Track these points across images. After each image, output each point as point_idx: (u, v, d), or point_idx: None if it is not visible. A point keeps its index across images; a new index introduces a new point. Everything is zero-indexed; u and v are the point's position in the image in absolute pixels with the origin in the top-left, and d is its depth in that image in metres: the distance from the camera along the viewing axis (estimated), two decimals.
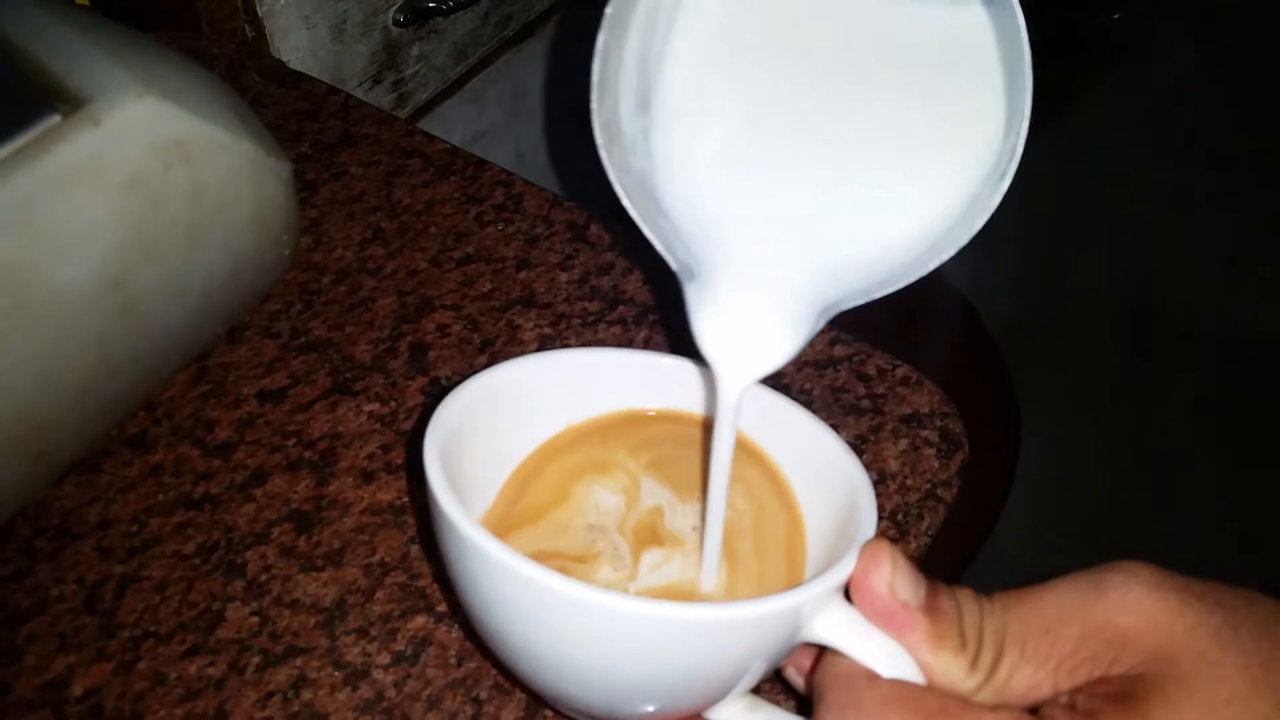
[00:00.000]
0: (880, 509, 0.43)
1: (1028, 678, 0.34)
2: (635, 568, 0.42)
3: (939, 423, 0.55)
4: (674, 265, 0.40)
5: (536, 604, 0.35)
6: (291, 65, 0.75)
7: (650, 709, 0.38)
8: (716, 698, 0.38)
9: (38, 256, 0.43)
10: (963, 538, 0.84)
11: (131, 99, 0.46)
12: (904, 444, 0.54)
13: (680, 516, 0.44)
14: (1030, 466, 0.92)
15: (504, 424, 0.44)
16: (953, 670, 0.34)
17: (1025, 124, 0.35)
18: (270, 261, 0.54)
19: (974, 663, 0.34)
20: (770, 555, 0.43)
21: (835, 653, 0.35)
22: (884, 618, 0.35)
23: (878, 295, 0.38)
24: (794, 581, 0.41)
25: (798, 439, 0.43)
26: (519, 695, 0.46)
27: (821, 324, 0.39)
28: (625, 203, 0.39)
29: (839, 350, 0.58)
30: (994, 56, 0.37)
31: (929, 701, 0.33)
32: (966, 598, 0.35)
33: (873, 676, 0.34)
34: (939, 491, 0.52)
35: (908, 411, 0.55)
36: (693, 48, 0.41)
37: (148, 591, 0.49)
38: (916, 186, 0.39)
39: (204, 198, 0.48)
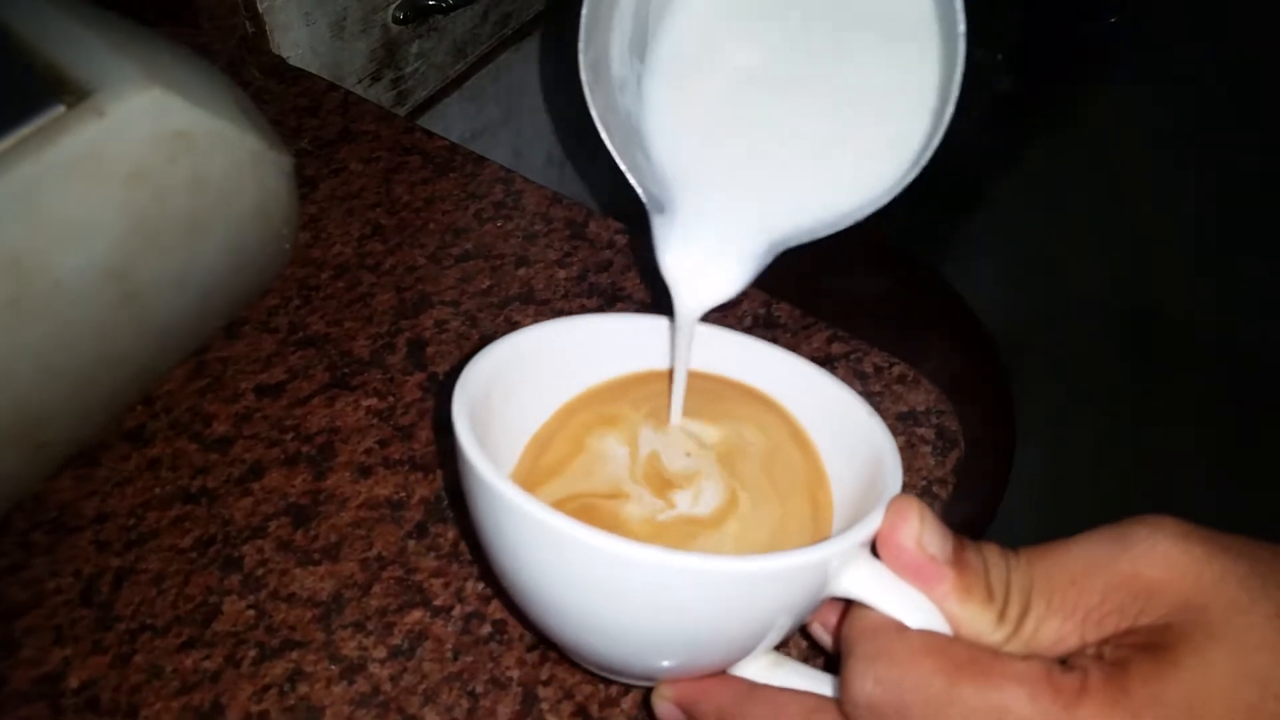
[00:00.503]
0: None
1: (1055, 629, 0.34)
2: (660, 503, 0.42)
3: (935, 420, 0.55)
4: (644, 198, 0.42)
5: (562, 554, 0.35)
6: (291, 62, 0.75)
7: (677, 663, 0.38)
8: (742, 653, 0.38)
9: (42, 246, 0.44)
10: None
11: (136, 90, 0.46)
12: (900, 441, 0.54)
13: (675, 453, 0.44)
14: (1027, 467, 0.92)
15: (526, 388, 0.44)
16: (981, 622, 0.34)
17: (956, 88, 0.36)
18: (270, 255, 0.55)
19: (1002, 615, 0.34)
20: (791, 497, 0.43)
21: (863, 606, 0.36)
22: (912, 571, 0.35)
23: (821, 235, 0.41)
24: (820, 535, 0.42)
25: (820, 399, 0.44)
26: (515, 689, 0.46)
27: (771, 258, 0.42)
28: (605, 138, 0.41)
29: (836, 347, 0.58)
30: (938, 26, 0.40)
31: (959, 651, 0.33)
32: (993, 552, 0.35)
33: (901, 627, 0.34)
34: (934, 489, 0.52)
35: (904, 409, 0.55)
36: (695, 6, 0.43)
37: (144, 585, 0.49)
38: (868, 143, 0.41)
39: (206, 190, 0.48)
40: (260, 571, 0.50)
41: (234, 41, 0.72)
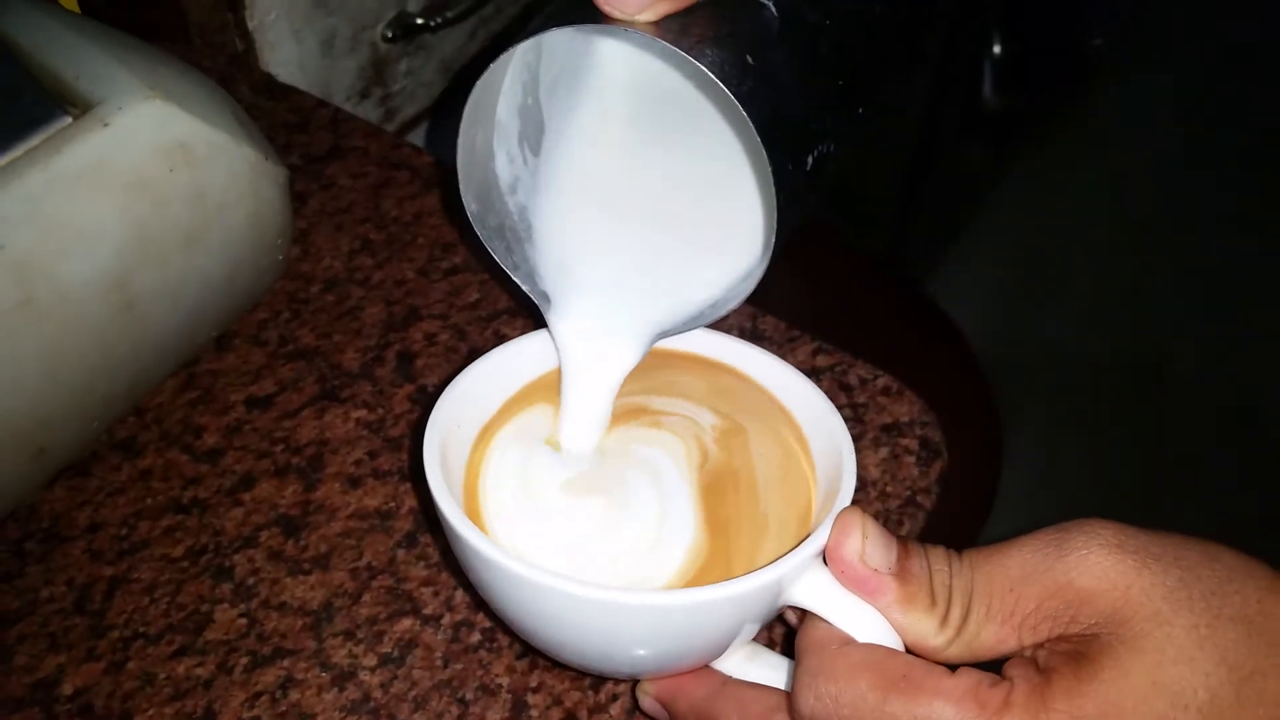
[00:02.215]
0: None
1: (994, 633, 0.36)
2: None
3: (919, 431, 0.55)
4: (534, 296, 0.47)
5: (531, 596, 0.38)
6: (280, 79, 0.76)
7: (652, 671, 0.43)
8: (713, 657, 0.41)
9: (47, 254, 0.45)
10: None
11: (139, 101, 0.47)
12: (884, 452, 0.55)
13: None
14: (1011, 485, 0.93)
15: (484, 404, 0.47)
16: (924, 628, 0.36)
17: (775, 215, 0.39)
18: (264, 266, 0.55)
19: (944, 620, 0.36)
20: (779, 432, 0.46)
21: (815, 616, 0.38)
22: (856, 584, 0.37)
23: (692, 328, 0.46)
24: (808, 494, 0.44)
25: (800, 394, 0.46)
26: (504, 696, 0.46)
27: (654, 341, 0.46)
28: (495, 254, 0.46)
29: (821, 360, 0.58)
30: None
31: (894, 667, 0.35)
32: (938, 557, 0.37)
33: (845, 642, 0.37)
34: (918, 499, 0.53)
35: (888, 420, 0.56)
36: (595, 107, 0.47)
37: (137, 593, 0.50)
38: (723, 247, 0.46)
39: (205, 200, 0.49)
40: (251, 581, 0.50)
41: (224, 58, 0.73)
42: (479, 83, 0.41)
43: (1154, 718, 0.32)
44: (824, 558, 0.38)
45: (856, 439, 0.55)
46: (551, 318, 0.47)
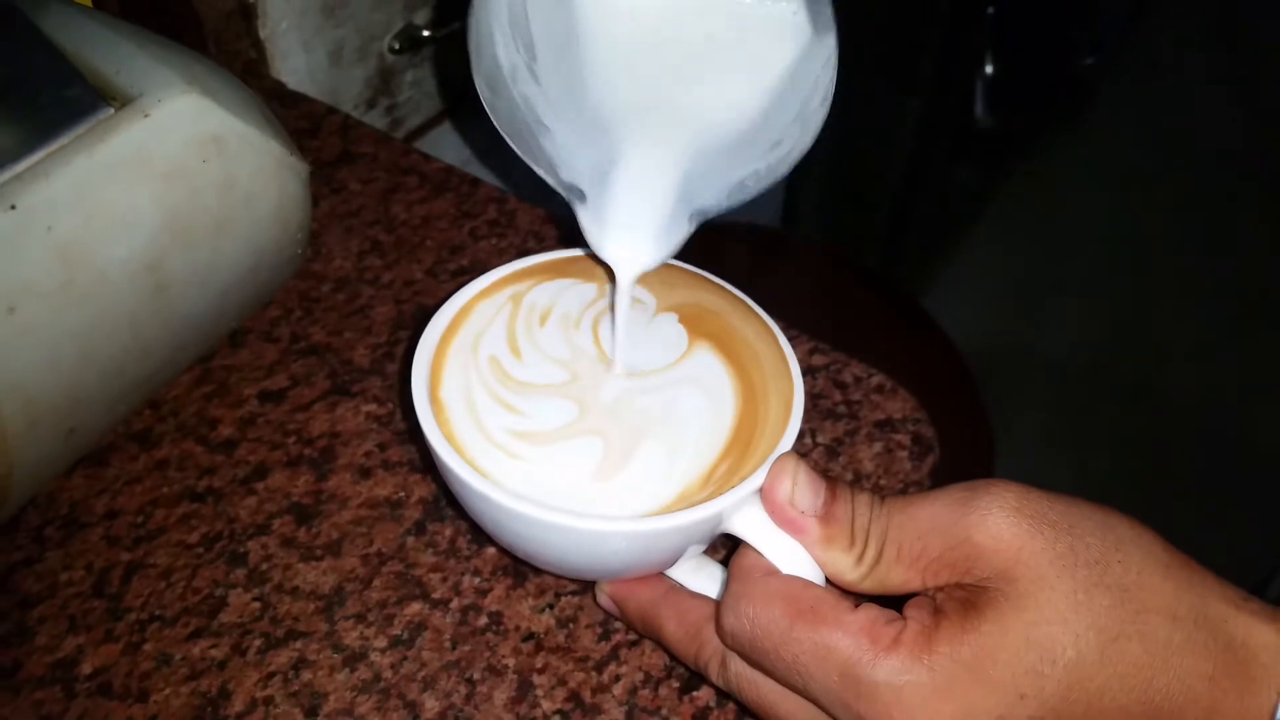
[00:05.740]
0: None
1: (901, 575, 0.40)
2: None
3: (911, 427, 0.57)
4: (560, 189, 0.45)
5: (504, 515, 0.41)
6: (290, 87, 0.78)
7: (610, 576, 0.48)
8: (665, 567, 0.47)
9: (90, 236, 0.47)
10: None
11: (177, 94, 0.49)
12: (878, 447, 0.56)
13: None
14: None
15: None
16: (841, 564, 0.41)
17: (834, 55, 0.42)
18: (285, 259, 0.57)
19: (859, 558, 0.41)
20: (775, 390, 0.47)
21: (749, 546, 0.42)
22: (785, 523, 0.41)
23: (733, 205, 0.45)
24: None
25: (783, 341, 0.48)
26: (510, 676, 0.48)
27: (693, 228, 0.45)
28: (515, 146, 0.45)
29: (817, 359, 0.60)
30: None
31: (805, 598, 0.40)
32: (862, 503, 0.41)
33: (769, 571, 0.41)
34: (911, 491, 0.55)
35: (881, 417, 0.58)
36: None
37: (153, 578, 0.51)
38: (750, 114, 0.46)
39: (234, 190, 0.51)
40: (265, 566, 0.52)
41: (238, 66, 0.75)
42: None
43: (1023, 669, 0.36)
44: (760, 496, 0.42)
45: (851, 434, 0.57)
46: (580, 210, 0.45)
